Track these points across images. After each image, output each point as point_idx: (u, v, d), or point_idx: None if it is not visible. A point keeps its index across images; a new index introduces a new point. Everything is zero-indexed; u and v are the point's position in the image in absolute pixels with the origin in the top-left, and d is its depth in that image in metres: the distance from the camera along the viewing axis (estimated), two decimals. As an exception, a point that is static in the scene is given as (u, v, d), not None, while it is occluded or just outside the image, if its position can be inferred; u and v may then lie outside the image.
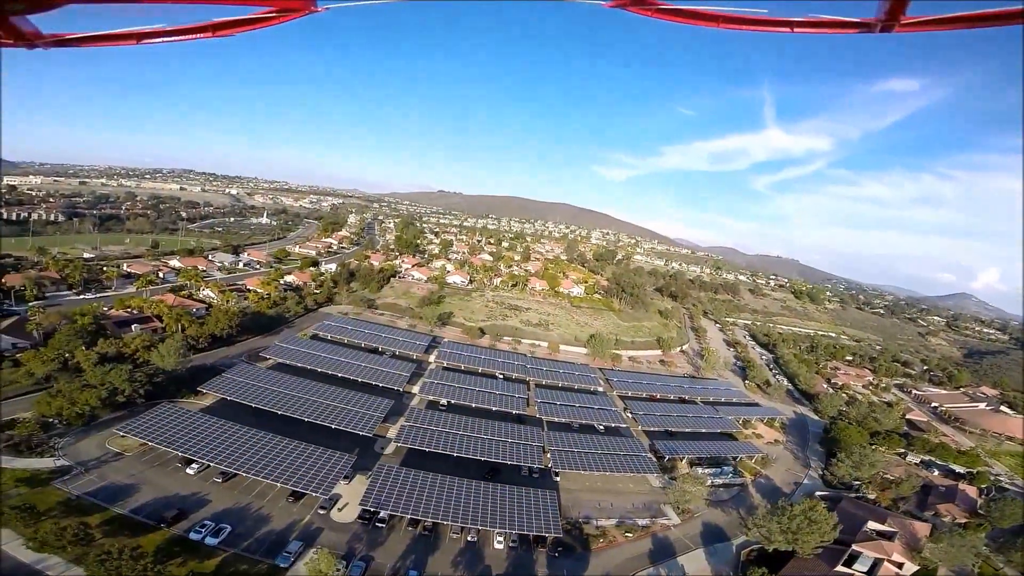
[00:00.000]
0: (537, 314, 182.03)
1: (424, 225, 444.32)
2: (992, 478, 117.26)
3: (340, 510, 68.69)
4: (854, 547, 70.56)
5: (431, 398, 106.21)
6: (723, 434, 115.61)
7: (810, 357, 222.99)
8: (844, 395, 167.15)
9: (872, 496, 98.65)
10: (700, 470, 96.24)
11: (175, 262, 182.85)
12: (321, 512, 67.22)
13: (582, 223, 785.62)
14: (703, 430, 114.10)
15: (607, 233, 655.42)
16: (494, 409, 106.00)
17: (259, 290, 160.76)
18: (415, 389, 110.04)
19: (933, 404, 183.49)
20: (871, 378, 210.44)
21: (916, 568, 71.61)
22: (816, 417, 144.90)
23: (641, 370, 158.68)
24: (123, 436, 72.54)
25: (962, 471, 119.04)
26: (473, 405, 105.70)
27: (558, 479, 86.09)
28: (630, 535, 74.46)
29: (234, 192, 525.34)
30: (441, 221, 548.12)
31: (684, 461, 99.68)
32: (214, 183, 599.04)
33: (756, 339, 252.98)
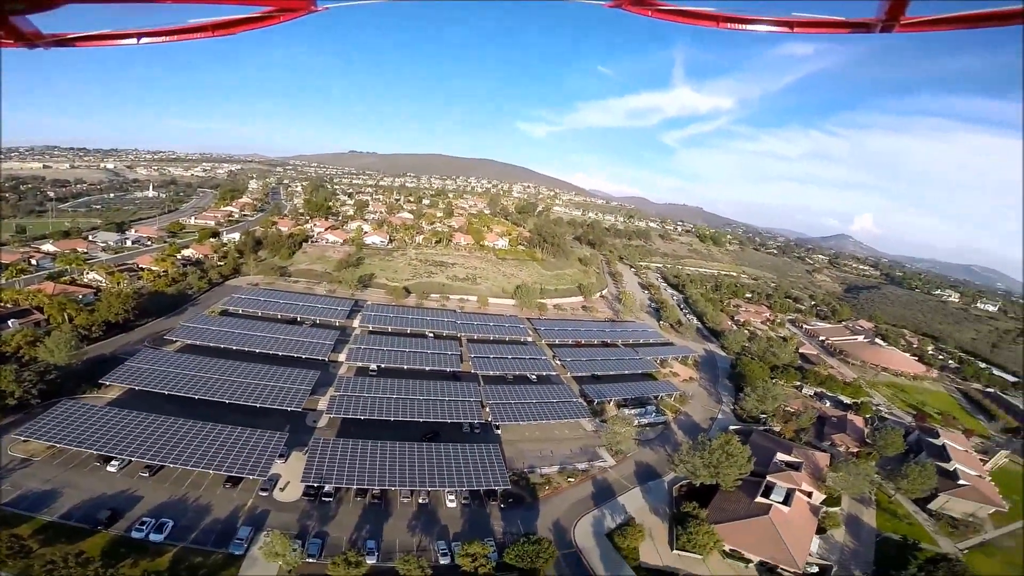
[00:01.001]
0: (464, 269, 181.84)
1: (336, 187, 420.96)
2: (874, 408, 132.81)
3: (282, 489, 67.20)
4: (768, 478, 78.67)
5: (360, 364, 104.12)
6: (644, 375, 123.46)
7: (715, 296, 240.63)
8: (746, 331, 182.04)
9: (777, 428, 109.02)
10: (627, 411, 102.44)
11: (48, 246, 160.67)
12: (263, 494, 65.40)
13: (505, 178, 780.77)
14: (626, 372, 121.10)
15: (528, 187, 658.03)
16: (427, 369, 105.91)
17: (154, 268, 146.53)
18: (341, 357, 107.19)
19: (820, 338, 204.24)
20: (768, 314, 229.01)
21: (823, 496, 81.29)
22: (724, 354, 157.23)
23: (566, 317, 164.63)
24: (25, 440, 65.58)
25: (849, 402, 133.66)
26: (405, 367, 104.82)
27: (499, 432, 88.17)
28: (572, 480, 78.49)
29: (110, 166, 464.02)
30: (354, 182, 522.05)
31: (612, 404, 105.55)
32: (85, 158, 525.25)
33: (667, 281, 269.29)
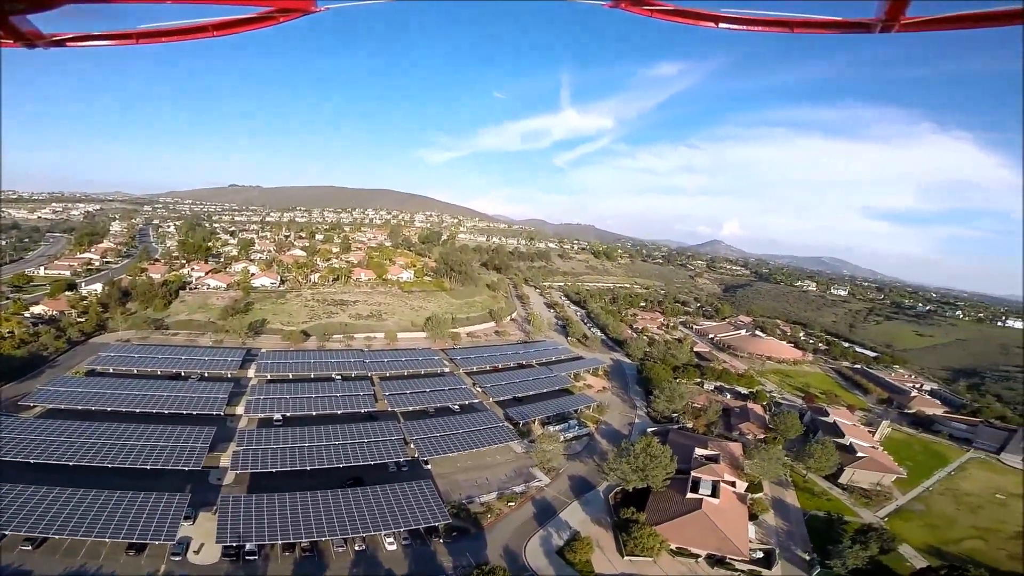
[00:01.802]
0: (367, 306, 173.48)
1: (216, 225, 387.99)
2: (768, 395, 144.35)
3: (197, 552, 60.27)
4: (693, 474, 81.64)
5: (262, 415, 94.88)
6: (562, 391, 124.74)
7: (614, 308, 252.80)
8: (645, 338, 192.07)
9: (690, 425, 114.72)
10: (552, 428, 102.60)
11: None
12: (176, 559, 58.67)
13: (406, 208, 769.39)
14: (545, 390, 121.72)
15: (431, 215, 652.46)
16: (340, 412, 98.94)
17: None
18: (239, 410, 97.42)
19: (710, 335, 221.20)
20: (662, 319, 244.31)
21: (746, 484, 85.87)
22: (629, 361, 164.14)
23: (480, 344, 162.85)
24: None
25: (746, 392, 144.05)
26: (314, 413, 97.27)
27: (429, 467, 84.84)
28: (512, 504, 77.07)
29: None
30: (237, 219, 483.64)
31: (536, 423, 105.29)
32: None
33: (570, 298, 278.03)
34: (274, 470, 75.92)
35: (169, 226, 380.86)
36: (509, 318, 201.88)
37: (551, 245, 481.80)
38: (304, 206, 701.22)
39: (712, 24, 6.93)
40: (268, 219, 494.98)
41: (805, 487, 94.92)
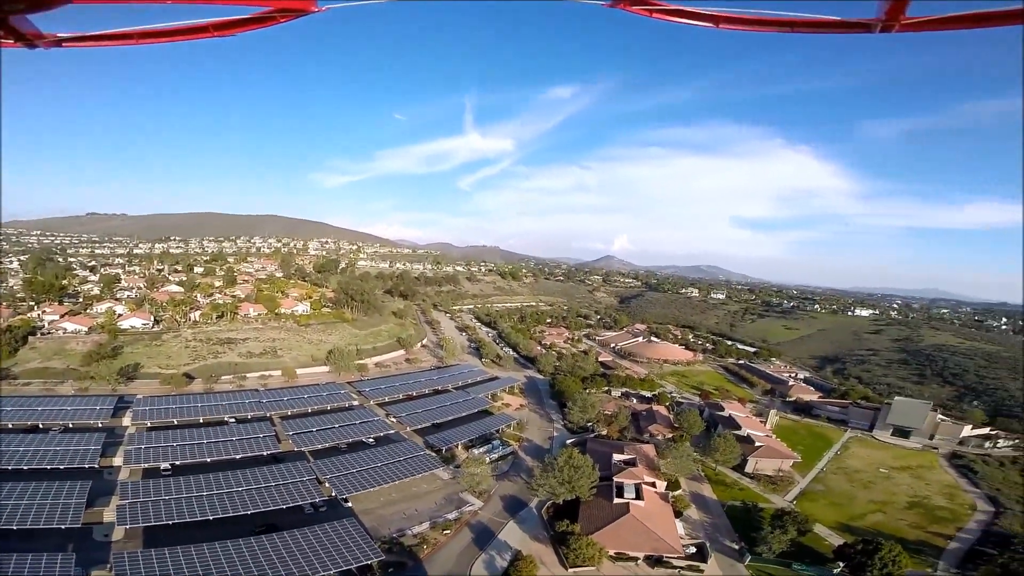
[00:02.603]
0: (259, 343, 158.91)
1: (71, 260, 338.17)
2: (670, 396, 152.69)
3: None
4: (615, 479, 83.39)
5: (146, 465, 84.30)
6: (481, 412, 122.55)
7: (523, 326, 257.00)
8: (554, 352, 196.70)
9: (604, 432, 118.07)
10: (476, 451, 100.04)
11: None
12: None
13: (298, 235, 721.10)
14: (464, 414, 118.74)
15: (326, 242, 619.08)
16: (239, 457, 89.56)
17: None
18: (117, 460, 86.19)
19: (612, 345, 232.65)
20: (567, 334, 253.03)
21: (665, 483, 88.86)
22: (541, 376, 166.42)
23: (391, 373, 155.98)
24: None
25: (649, 395, 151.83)
26: (209, 460, 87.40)
27: (349, 504, 78.86)
28: (448, 532, 73.84)
29: None
30: (98, 252, 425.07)
31: (459, 447, 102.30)
32: None
33: (481, 320, 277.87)
34: (171, 522, 67.30)
35: (11, 261, 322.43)
36: (420, 345, 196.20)
37: (458, 268, 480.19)
38: (179, 235, 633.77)
39: (712, 24, 6.87)
40: (136, 251, 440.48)
41: (718, 479, 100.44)
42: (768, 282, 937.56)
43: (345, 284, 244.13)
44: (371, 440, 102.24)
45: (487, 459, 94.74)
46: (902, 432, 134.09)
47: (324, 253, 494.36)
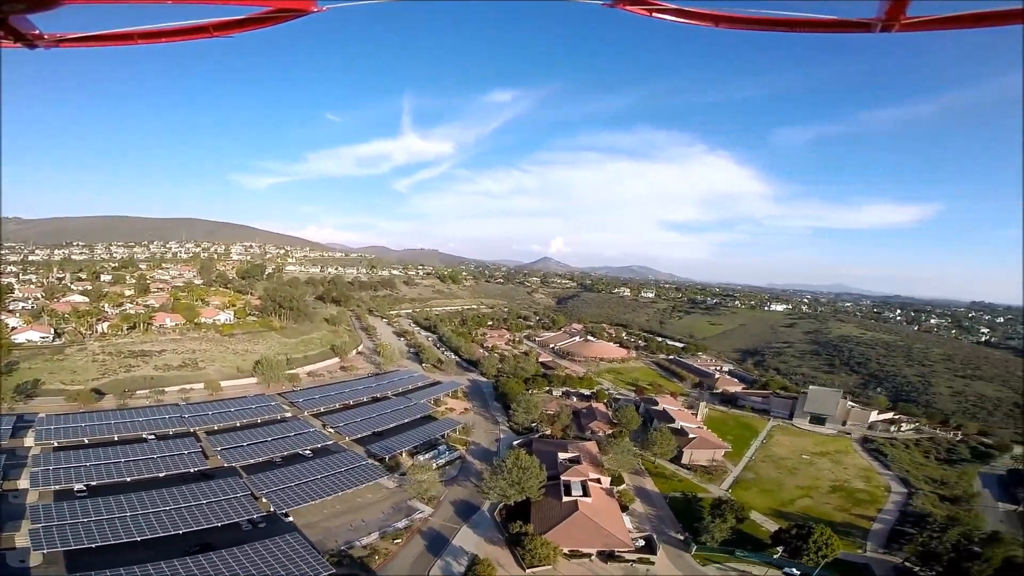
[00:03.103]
0: (177, 355, 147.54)
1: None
2: (607, 393, 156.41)
3: None
4: (563, 478, 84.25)
5: (57, 488, 77.17)
6: (424, 418, 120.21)
7: (464, 329, 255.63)
8: (496, 355, 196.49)
9: (548, 431, 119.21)
10: (422, 458, 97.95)
11: None
12: None
13: (218, 239, 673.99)
14: (406, 420, 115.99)
15: (251, 247, 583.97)
16: (163, 475, 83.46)
17: None
18: (23, 483, 79.08)
19: (551, 345, 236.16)
20: (508, 336, 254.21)
21: (609, 479, 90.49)
22: (484, 379, 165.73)
23: (326, 382, 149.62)
24: None
25: (588, 393, 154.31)
26: (129, 479, 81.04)
27: (291, 519, 74.98)
28: (399, 541, 71.85)
29: None
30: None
31: (404, 455, 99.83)
32: None
33: (420, 324, 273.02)
34: (94, 544, 62.14)
35: None
36: (355, 352, 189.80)
37: (395, 272, 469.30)
38: (85, 240, 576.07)
39: (712, 24, 6.86)
40: (33, 258, 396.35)
41: (657, 472, 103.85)
42: (693, 281, 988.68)
43: (272, 290, 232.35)
44: (308, 452, 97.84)
45: (434, 465, 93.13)
46: (818, 419, 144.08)
47: (248, 258, 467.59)
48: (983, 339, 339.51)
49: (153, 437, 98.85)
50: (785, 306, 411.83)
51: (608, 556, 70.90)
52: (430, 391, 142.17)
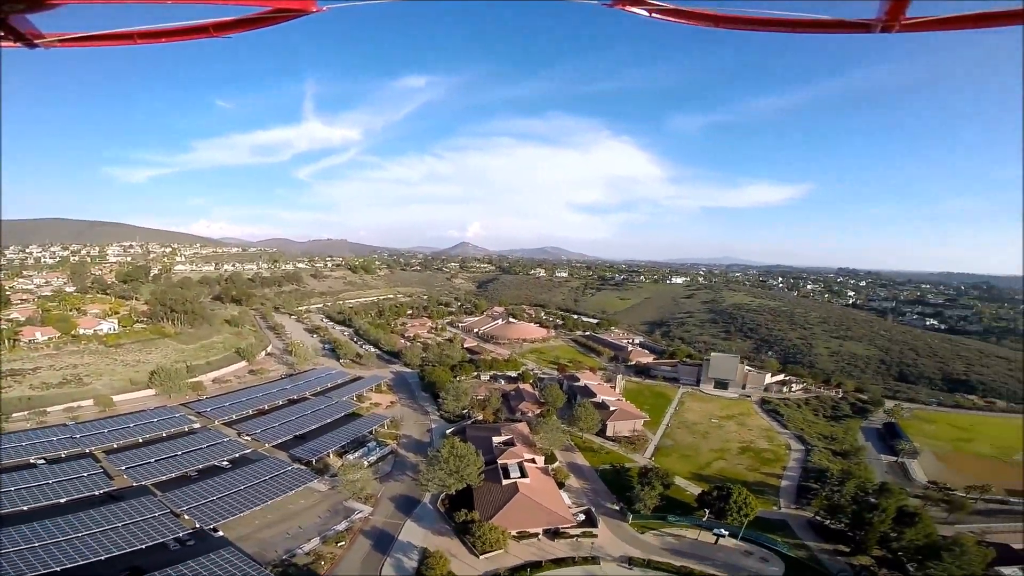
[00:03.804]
0: (56, 371, 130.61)
1: None
2: (532, 373, 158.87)
3: None
4: (500, 462, 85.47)
5: None
6: (348, 416, 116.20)
7: (382, 321, 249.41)
8: (419, 344, 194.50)
9: (480, 416, 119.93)
10: (351, 457, 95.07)
11: None
12: None
13: (91, 240, 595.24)
14: (329, 420, 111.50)
15: (131, 246, 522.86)
16: (64, 501, 75.20)
17: None
18: None
19: (474, 330, 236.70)
20: (430, 324, 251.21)
21: (543, 457, 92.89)
22: (409, 370, 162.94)
23: (234, 388, 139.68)
24: None
25: (515, 375, 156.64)
26: (26, 508, 72.30)
27: (221, 534, 70.67)
28: (343, 544, 69.52)
29: None
30: None
31: (332, 455, 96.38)
32: None
33: (333, 319, 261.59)
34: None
35: None
36: (264, 353, 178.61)
37: (301, 265, 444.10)
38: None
39: (712, 24, 6.86)
40: None
41: (586, 447, 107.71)
42: (602, 259, 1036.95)
43: (161, 294, 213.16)
44: (226, 463, 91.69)
45: (365, 463, 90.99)
46: (721, 384, 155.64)
47: (129, 259, 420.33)
48: (850, 302, 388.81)
49: (44, 461, 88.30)
50: (684, 279, 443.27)
51: (554, 534, 73.00)
52: (351, 387, 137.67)
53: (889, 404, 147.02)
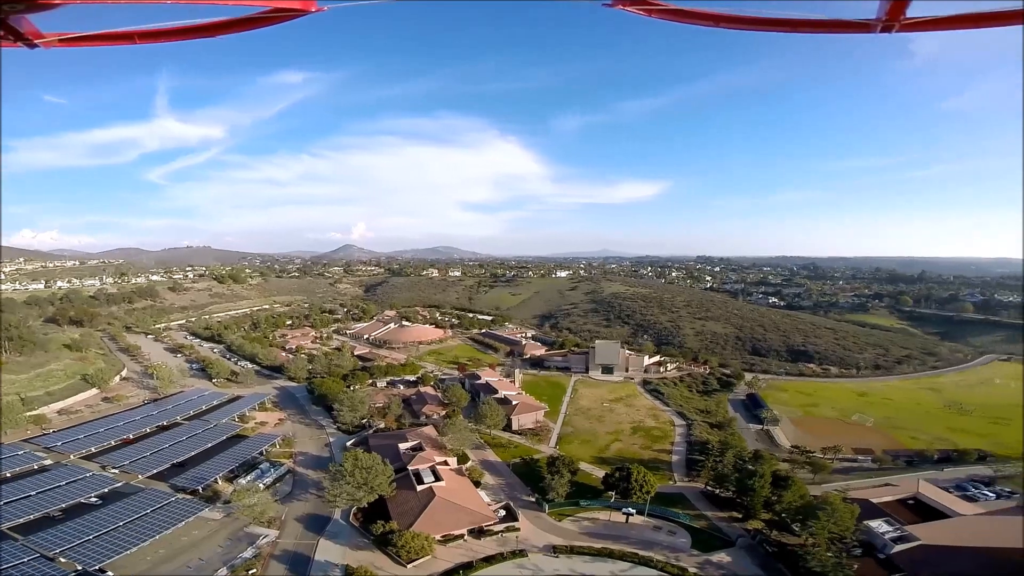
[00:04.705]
0: None
1: None
2: (432, 375, 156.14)
3: None
4: (410, 468, 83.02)
5: None
6: (232, 438, 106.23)
7: (258, 334, 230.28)
8: (304, 355, 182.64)
9: (383, 425, 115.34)
10: (244, 480, 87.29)
11: None
12: None
13: None
14: (209, 445, 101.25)
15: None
16: None
17: None
18: None
19: (365, 336, 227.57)
20: (314, 333, 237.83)
21: (455, 458, 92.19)
22: (295, 384, 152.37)
23: (88, 419, 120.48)
24: None
25: (414, 379, 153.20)
26: None
27: (110, 574, 62.64)
28: (254, 571, 64.08)
29: None
30: None
31: (220, 481, 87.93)
32: None
33: (199, 336, 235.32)
34: None
35: None
36: (119, 378, 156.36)
37: (156, 278, 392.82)
38: None
39: (712, 24, 6.87)
40: None
41: (495, 443, 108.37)
42: (493, 256, 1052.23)
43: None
44: (95, 499, 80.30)
45: (260, 486, 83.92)
46: (608, 369, 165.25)
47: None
48: (708, 286, 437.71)
49: None
50: (568, 272, 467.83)
51: (479, 532, 72.69)
52: (231, 408, 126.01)
53: (748, 376, 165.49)
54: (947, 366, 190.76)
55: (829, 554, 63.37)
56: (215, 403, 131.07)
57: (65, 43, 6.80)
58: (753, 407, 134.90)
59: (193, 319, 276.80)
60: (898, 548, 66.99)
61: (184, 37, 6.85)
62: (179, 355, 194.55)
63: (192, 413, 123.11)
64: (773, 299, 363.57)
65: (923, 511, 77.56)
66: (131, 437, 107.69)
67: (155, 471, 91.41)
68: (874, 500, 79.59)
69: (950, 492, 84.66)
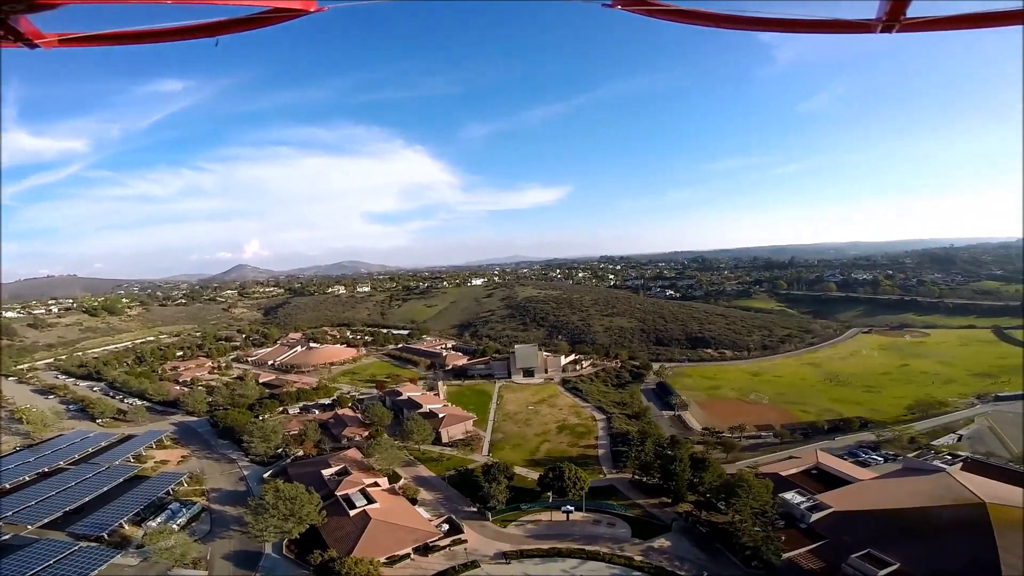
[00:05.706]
0: None
1: None
2: (348, 396, 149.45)
3: None
4: (339, 493, 79.62)
5: None
6: (131, 480, 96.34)
7: (145, 368, 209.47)
8: (201, 387, 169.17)
9: (301, 452, 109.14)
10: (154, 523, 79.69)
11: None
12: None
13: None
14: (105, 488, 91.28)
15: None
16: None
17: None
18: None
19: (269, 362, 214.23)
20: (211, 363, 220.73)
21: (386, 478, 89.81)
22: (195, 418, 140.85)
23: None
24: None
25: (329, 401, 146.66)
26: None
27: None
28: None
29: None
30: None
31: (125, 526, 79.80)
32: None
33: (73, 374, 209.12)
34: None
35: None
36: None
37: (11, 315, 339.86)
38: None
39: (712, 24, 6.90)
40: None
41: (426, 458, 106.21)
42: (403, 268, 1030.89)
43: None
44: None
45: (174, 526, 76.92)
46: (529, 372, 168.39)
47: None
48: (612, 284, 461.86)
49: None
50: (482, 280, 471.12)
51: (425, 549, 71.18)
52: (124, 448, 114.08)
53: (656, 366, 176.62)
54: (821, 341, 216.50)
55: (756, 529, 67.46)
56: (103, 444, 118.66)
57: (65, 43, 6.81)
58: (663, 394, 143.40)
59: (63, 357, 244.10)
60: (815, 517, 71.22)
61: (184, 37, 6.92)
62: (51, 396, 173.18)
63: (78, 456, 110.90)
64: (670, 292, 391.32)
65: (826, 479, 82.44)
66: (7, 487, 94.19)
67: (47, 520, 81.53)
68: (782, 473, 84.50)
69: (845, 459, 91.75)
